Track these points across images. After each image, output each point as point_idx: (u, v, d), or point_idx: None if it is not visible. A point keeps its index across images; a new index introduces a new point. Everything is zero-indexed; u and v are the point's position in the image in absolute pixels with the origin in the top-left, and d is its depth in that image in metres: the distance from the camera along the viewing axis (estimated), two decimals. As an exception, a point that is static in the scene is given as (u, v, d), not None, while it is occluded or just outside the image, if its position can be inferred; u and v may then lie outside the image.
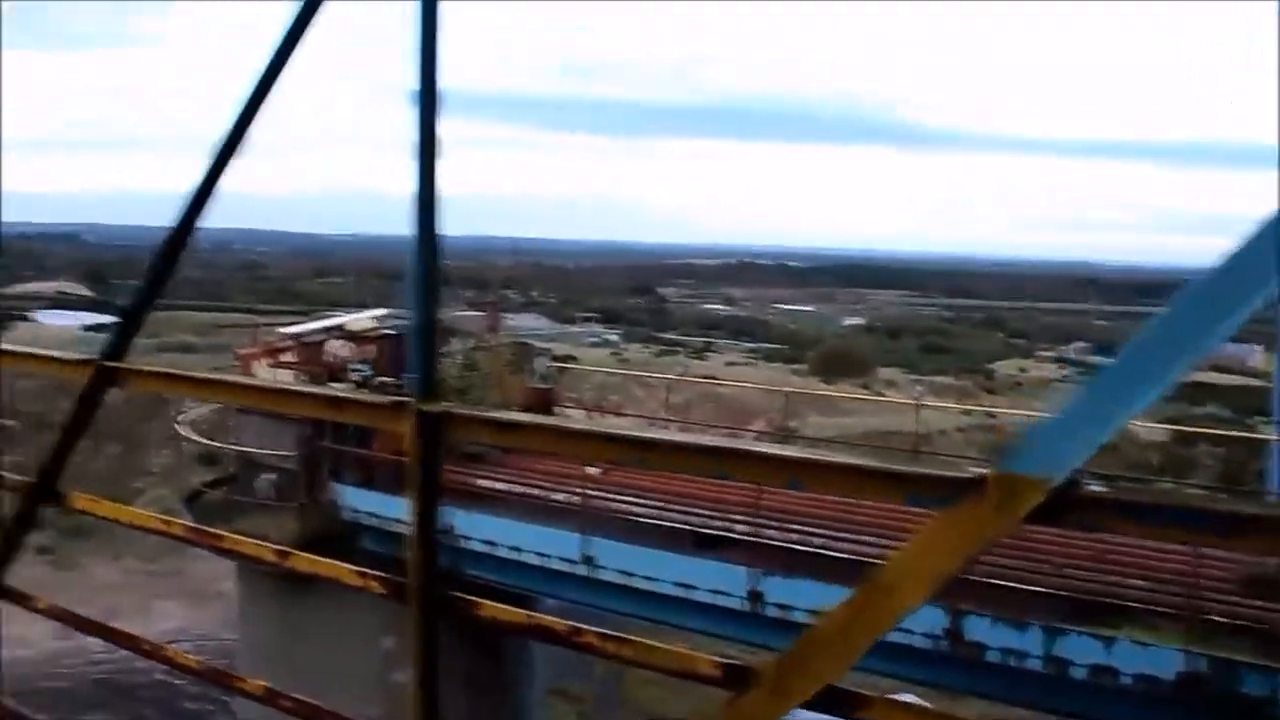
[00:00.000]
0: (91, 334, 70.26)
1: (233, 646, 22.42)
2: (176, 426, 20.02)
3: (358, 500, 17.68)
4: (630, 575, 14.77)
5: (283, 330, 20.75)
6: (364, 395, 3.13)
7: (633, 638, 2.71)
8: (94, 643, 30.51)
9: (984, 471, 2.19)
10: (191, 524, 3.71)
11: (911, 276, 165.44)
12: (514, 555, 15.52)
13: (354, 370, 18.33)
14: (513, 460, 17.55)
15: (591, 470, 15.55)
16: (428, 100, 2.87)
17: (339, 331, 19.54)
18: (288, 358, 18.75)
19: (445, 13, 2.87)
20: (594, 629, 2.78)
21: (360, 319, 20.17)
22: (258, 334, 21.19)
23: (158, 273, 3.55)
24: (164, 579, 39.13)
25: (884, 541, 13.89)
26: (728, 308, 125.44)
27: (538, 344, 24.41)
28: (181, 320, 78.65)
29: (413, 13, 2.85)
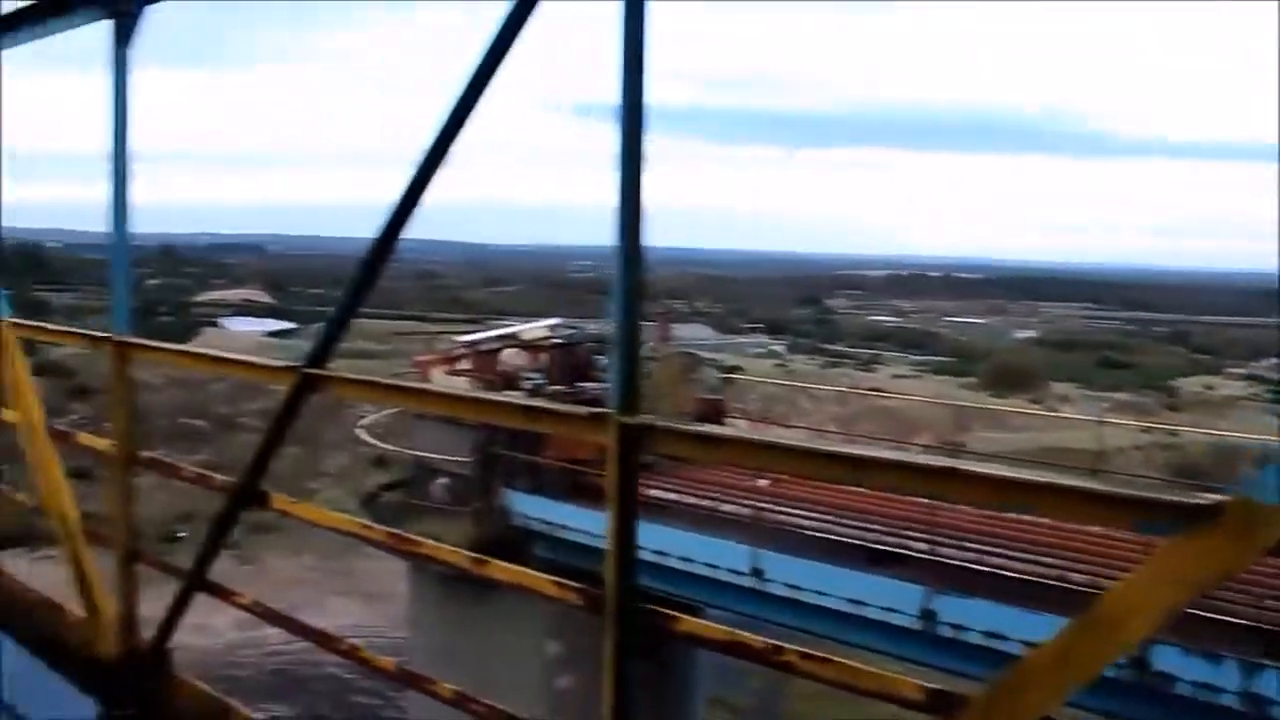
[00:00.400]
0: (273, 339, 73.21)
1: (402, 645, 22.98)
2: (357, 431, 20.62)
3: (529, 506, 17.96)
4: (799, 589, 14.63)
5: (459, 339, 21.24)
6: (561, 406, 3.10)
7: (834, 658, 2.64)
8: (271, 634, 31.77)
9: (1221, 498, 2.05)
10: (389, 529, 3.77)
11: (1087, 288, 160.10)
12: (684, 565, 15.50)
13: (527, 379, 18.65)
14: (681, 470, 17.55)
15: (761, 482, 15.45)
16: (632, 113, 2.85)
17: (513, 340, 19.92)
18: (464, 366, 19.17)
19: (651, 26, 2.85)
20: (794, 648, 2.72)
21: (533, 329, 20.52)
22: (434, 342, 21.71)
23: (360, 282, 3.62)
24: (339, 577, 40.42)
25: (1064, 563, 13.43)
26: (895, 319, 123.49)
27: (703, 354, 24.40)
28: (360, 328, 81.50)
29: (618, 25, 2.84)
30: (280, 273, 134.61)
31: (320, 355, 3.77)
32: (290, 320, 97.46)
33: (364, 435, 20.34)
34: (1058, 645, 2.26)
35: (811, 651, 2.66)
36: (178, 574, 4.79)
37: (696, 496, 16.98)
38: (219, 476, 4.53)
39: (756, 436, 2.70)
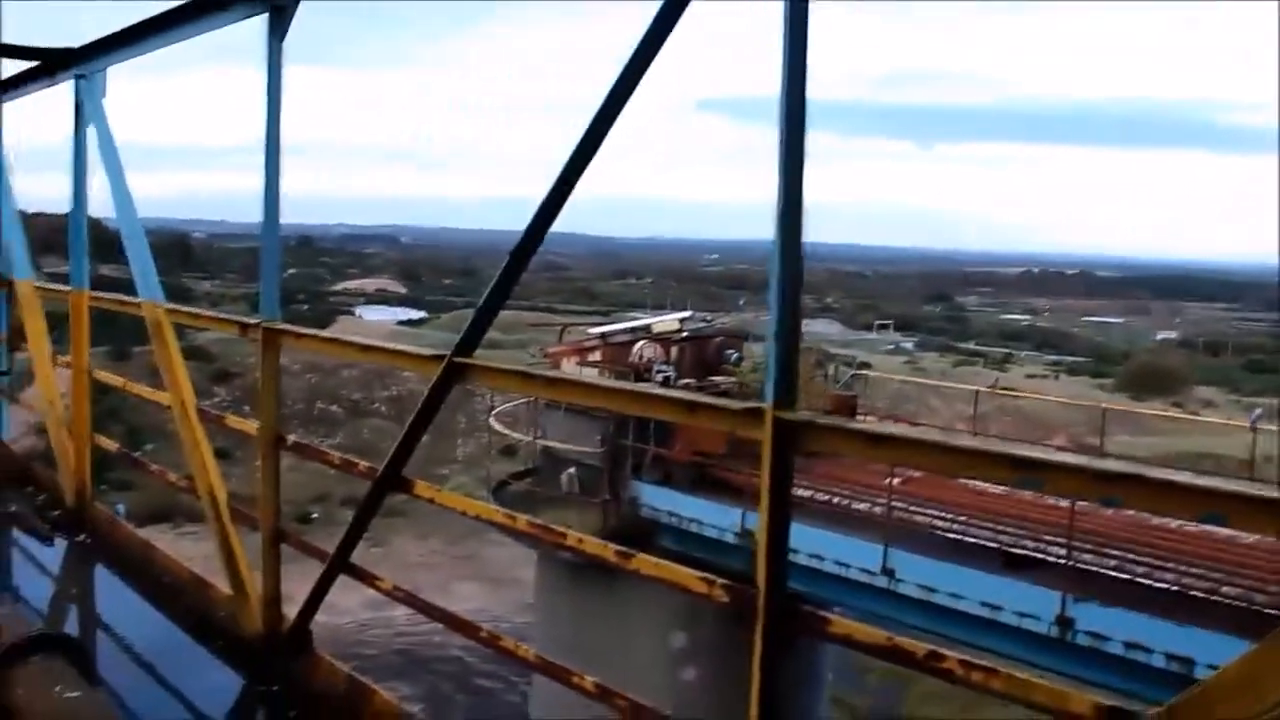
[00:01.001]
0: (404, 328, 74.70)
1: (526, 631, 23.22)
2: (490, 420, 20.86)
3: (656, 498, 17.97)
4: (932, 590, 14.35)
5: (591, 330, 21.37)
6: (717, 400, 3.03)
7: (1000, 668, 2.53)
8: (398, 615, 32.46)
9: None
10: (532, 520, 3.75)
11: (1234, 288, 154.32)
12: (813, 563, 15.31)
13: (659, 370, 18.66)
14: (811, 466, 17.38)
15: (892, 481, 15.21)
16: (794, 107, 2.78)
17: (644, 333, 19.96)
18: (595, 357, 19.26)
19: (814, 24, 2.78)
20: (956, 655, 2.61)
21: (664, 321, 20.55)
22: (565, 333, 21.86)
23: (509, 273, 3.60)
24: (464, 562, 41.09)
25: (1218, 576, 12.92)
26: (1029, 318, 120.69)
27: (832, 350, 24.12)
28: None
29: (781, 22, 2.78)
30: (412, 263, 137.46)
31: (468, 344, 3.77)
32: (421, 309, 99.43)
33: (494, 424, 20.57)
34: (1249, 664, 2.12)
35: (975, 660, 2.56)
36: (320, 556, 4.86)
37: (826, 493, 16.78)
38: (363, 462, 4.58)
39: (923, 435, 2.59)
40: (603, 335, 20.41)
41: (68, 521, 7.58)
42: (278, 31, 4.95)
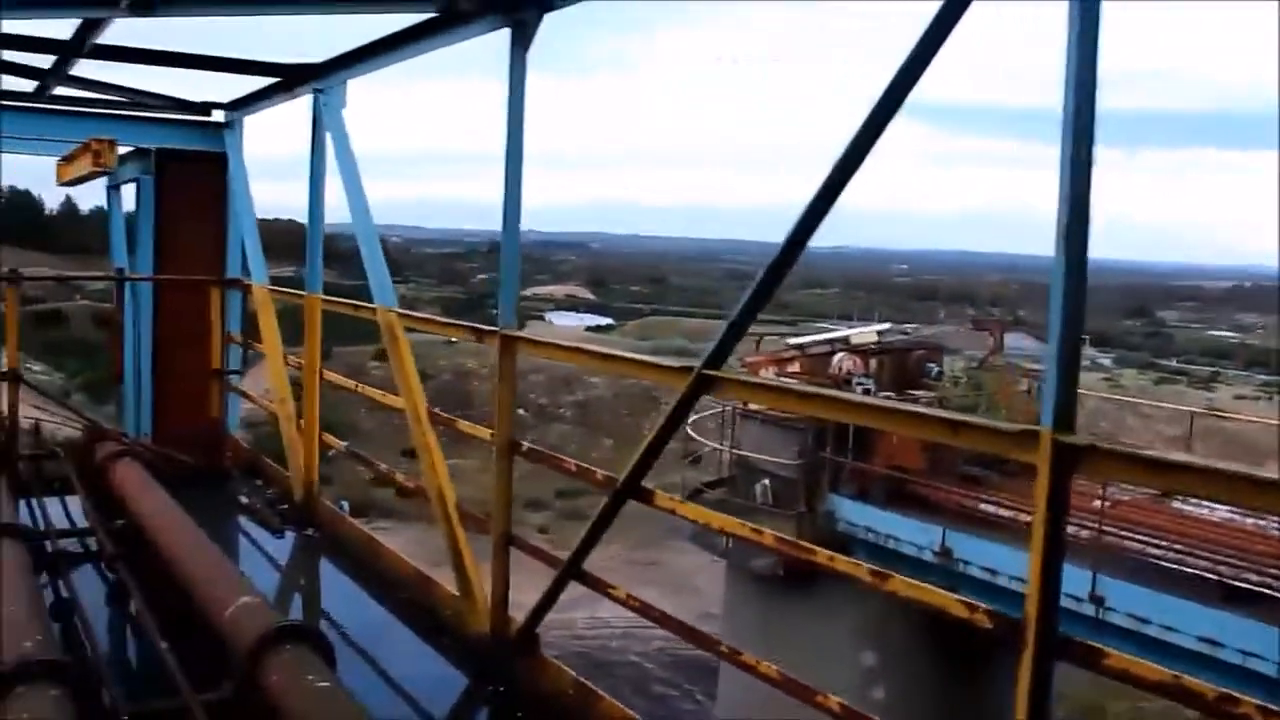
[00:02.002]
0: (592, 334, 75.74)
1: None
2: (686, 428, 20.93)
3: (854, 513, 17.72)
4: (1144, 622, 13.69)
5: (788, 340, 21.26)
6: (988, 422, 2.93)
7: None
8: (578, 617, 32.86)
9: None
10: (781, 535, 3.71)
11: None
12: (1015, 585, 14.81)
13: (858, 383, 18.42)
14: (1009, 484, 16.88)
15: (1103, 503, 14.61)
16: (1081, 120, 2.67)
17: (842, 344, 19.76)
18: (793, 368, 19.15)
19: (1104, 31, 2.67)
20: (1252, 701, 2.46)
21: (863, 332, 20.30)
22: (761, 343, 21.77)
23: (764, 285, 3.57)
24: (645, 568, 41.34)
25: None
26: (1238, 335, 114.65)
27: (1026, 365, 23.36)
28: (675, 325, 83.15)
29: (1067, 29, 2.68)
30: (601, 270, 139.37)
31: (717, 357, 3.76)
32: (608, 316, 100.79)
33: (690, 431, 20.63)
34: None
35: (1275, 708, 2.40)
36: (549, 561, 4.93)
37: (1029, 513, 16.23)
38: (600, 471, 4.62)
39: (1213, 464, 2.45)
40: (799, 346, 20.27)
41: (296, 515, 7.91)
42: (520, 44, 5.06)
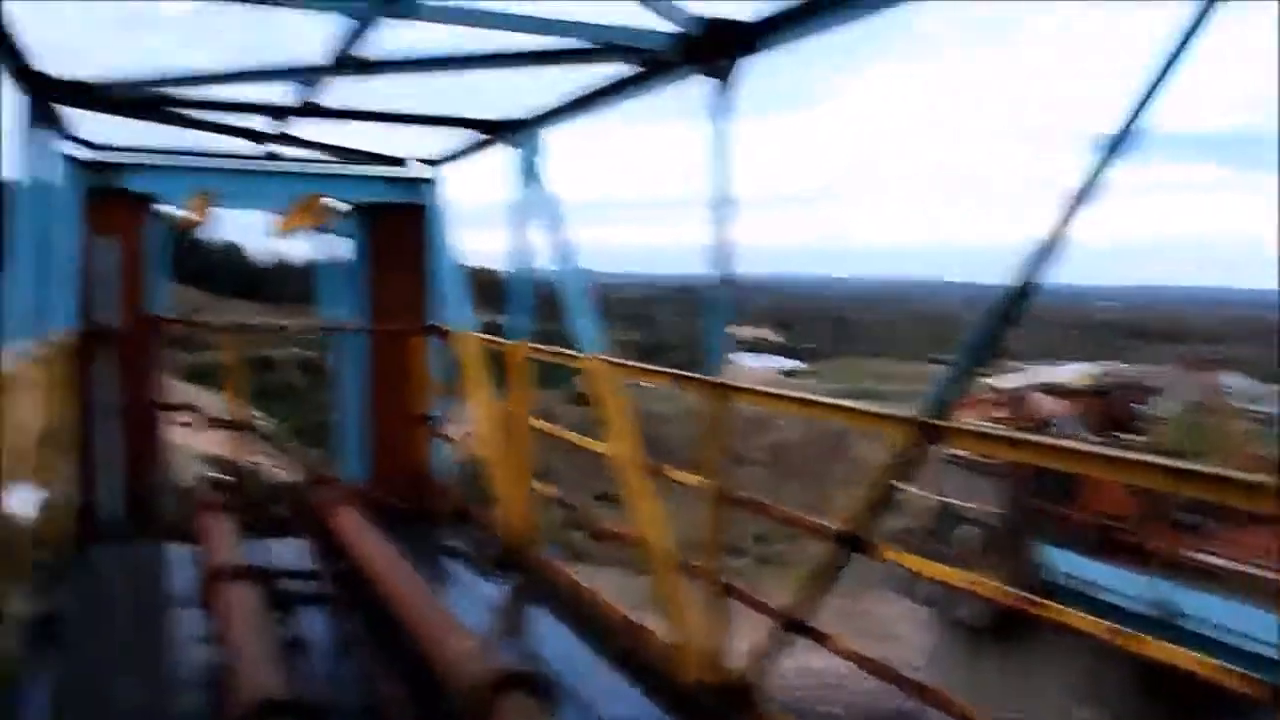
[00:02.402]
0: (784, 377, 75.36)
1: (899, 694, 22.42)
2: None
3: (1062, 562, 17.03)
4: None
5: (986, 381, 20.68)
6: (1235, 473, 2.74)
7: None
8: (786, 666, 32.34)
9: None
10: (1022, 594, 3.56)
11: None
12: (1249, 645, 13.79)
13: (1055, 426, 17.75)
14: (1227, 533, 15.96)
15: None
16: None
17: (1046, 385, 19.11)
18: (991, 411, 18.62)
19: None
20: None
21: (1066, 373, 19.58)
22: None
23: (991, 329, 3.46)
24: (848, 617, 40.63)
25: None
26: None
27: (1242, 406, 22.12)
28: (863, 367, 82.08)
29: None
30: (788, 312, 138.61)
31: (941, 406, 3.65)
32: (796, 358, 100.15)
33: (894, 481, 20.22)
34: None
35: None
36: (767, 611, 4.87)
37: (1249, 564, 15.29)
38: (816, 520, 4.55)
39: None
40: (994, 387, 19.70)
41: (506, 560, 8.04)
42: (723, 92, 5.08)
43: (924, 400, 3.72)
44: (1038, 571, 17.33)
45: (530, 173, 7.45)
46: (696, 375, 5.46)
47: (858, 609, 38.53)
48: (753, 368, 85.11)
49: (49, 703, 5.49)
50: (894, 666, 4.38)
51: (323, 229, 10.24)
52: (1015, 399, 19.00)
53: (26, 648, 5.80)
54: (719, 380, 5.06)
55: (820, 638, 4.55)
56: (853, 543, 4.12)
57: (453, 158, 9.42)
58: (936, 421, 3.65)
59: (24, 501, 6.51)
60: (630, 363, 6.75)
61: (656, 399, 55.91)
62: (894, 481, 3.93)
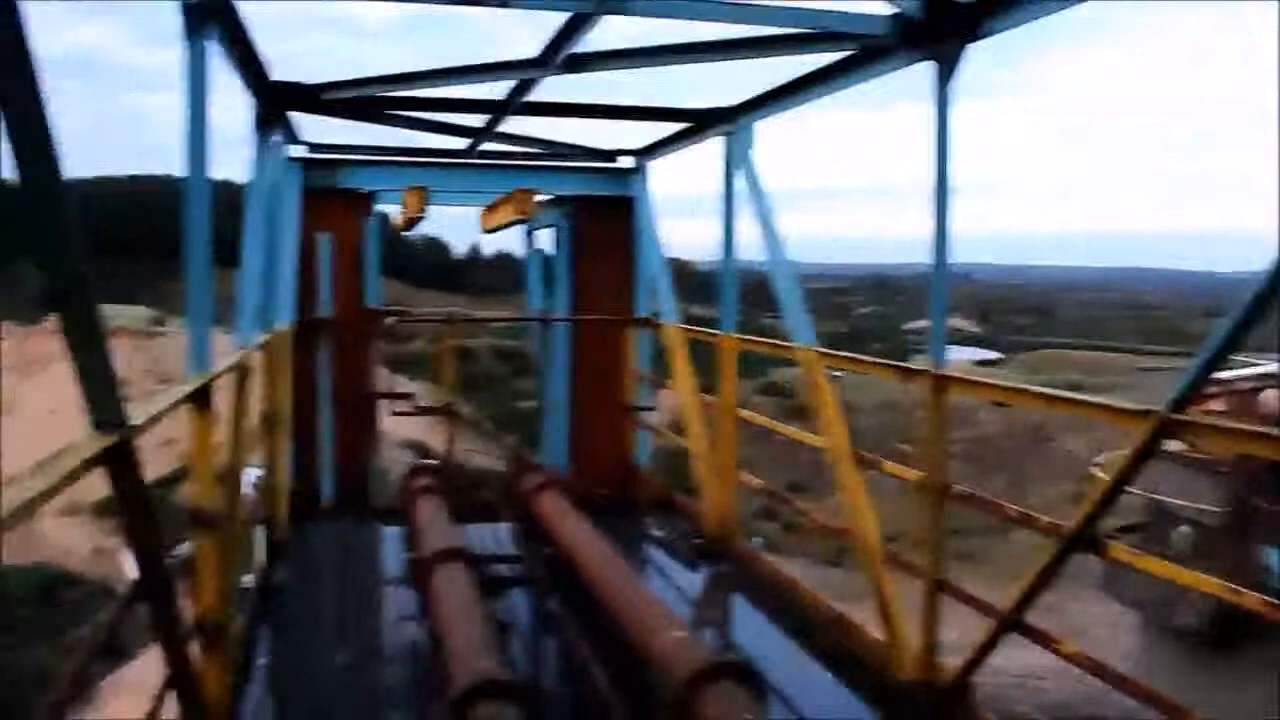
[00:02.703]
0: (979, 368, 73.49)
1: (1098, 692, 21.54)
2: (1093, 469, 19.75)
3: (1289, 566, 16.06)
4: None
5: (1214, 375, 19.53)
6: None
7: None
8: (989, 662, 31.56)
9: None
10: (1268, 599, 3.36)
11: None
12: None
13: (1291, 425, 16.69)
14: None
15: None
16: None
17: (1275, 378, 17.98)
18: (1215, 405, 17.63)
19: None
20: None
21: (1286, 367, 18.36)
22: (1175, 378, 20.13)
23: (1245, 318, 3.25)
24: (1040, 614, 39.32)
25: None
26: None
27: None
28: (1066, 359, 79.21)
29: None
30: (985, 302, 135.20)
31: (1183, 399, 3.47)
32: (994, 349, 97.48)
33: (1098, 473, 19.45)
34: None
35: None
36: (985, 610, 4.73)
37: None
38: (1044, 518, 4.38)
39: None
40: (1223, 380, 18.61)
41: (710, 550, 8.05)
42: (944, 77, 4.94)
43: (1166, 393, 3.54)
44: (1262, 574, 16.36)
45: (739, 163, 7.41)
46: (912, 366, 5.34)
47: (1060, 606, 37.31)
48: (950, 359, 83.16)
49: (267, 671, 5.76)
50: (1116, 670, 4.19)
51: (529, 222, 10.44)
52: (1239, 393, 17.94)
53: (248, 619, 6.09)
54: (941, 372, 4.93)
55: (1043, 639, 4.39)
56: (1083, 541, 3.95)
57: (660, 149, 9.46)
58: (1181, 417, 3.46)
59: (249, 481, 6.86)
60: (842, 354, 6.65)
61: (849, 390, 55.23)
62: (1127, 479, 3.75)
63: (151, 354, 53.52)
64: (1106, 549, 3.94)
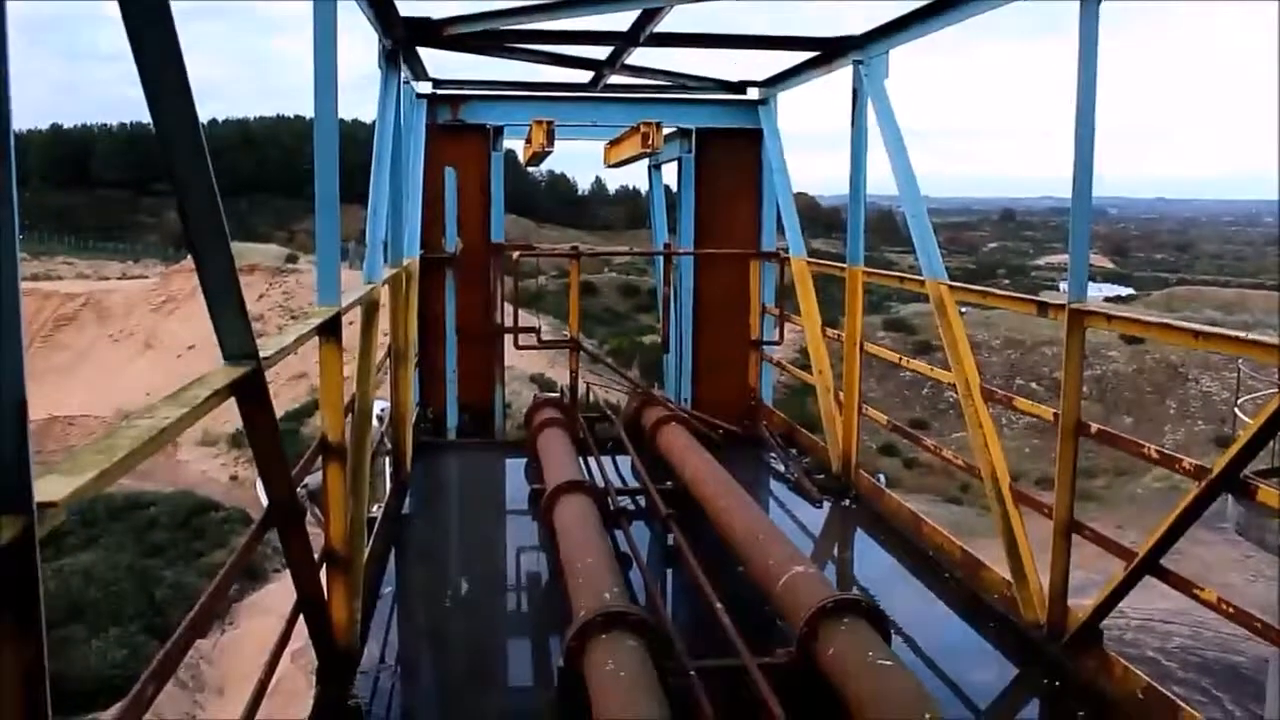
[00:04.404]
0: (1111, 305, 71.36)
1: (1224, 640, 20.93)
2: (1235, 410, 19.09)
3: None
4: None
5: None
6: None
7: None
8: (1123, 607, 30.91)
9: None
10: None
11: None
12: None
13: None
14: None
15: None
16: None
17: None
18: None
19: None
20: None
21: None
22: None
23: None
24: (1167, 557, 38.19)
25: None
26: None
27: None
28: (1205, 295, 76.36)
29: None
30: (1121, 237, 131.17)
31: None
32: (1129, 285, 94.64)
33: (1239, 414, 18.77)
34: None
35: None
36: (1119, 553, 4.59)
37: None
38: (1187, 460, 4.22)
39: None
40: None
41: (834, 486, 7.98)
42: (1092, 6, 4.70)
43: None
44: None
45: (872, 94, 7.20)
46: (1049, 301, 5.17)
47: (1186, 550, 36.29)
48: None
49: (394, 597, 5.89)
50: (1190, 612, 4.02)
51: (654, 156, 10.36)
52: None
53: (375, 544, 6.22)
54: (1081, 306, 4.75)
55: (1183, 583, 4.24)
56: (1229, 483, 3.79)
57: (788, 80, 9.26)
58: (1340, 353, 3.27)
59: (377, 413, 6.98)
60: (974, 287, 6.47)
61: (970, 325, 54.02)
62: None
63: (285, 289, 54.96)
64: (1256, 491, 3.77)
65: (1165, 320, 4.41)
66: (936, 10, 6.24)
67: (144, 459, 2.11)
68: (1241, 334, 3.80)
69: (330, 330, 4.30)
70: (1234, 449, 3.70)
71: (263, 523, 3.61)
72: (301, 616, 4.13)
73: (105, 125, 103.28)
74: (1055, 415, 4.88)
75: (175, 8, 2.32)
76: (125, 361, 50.85)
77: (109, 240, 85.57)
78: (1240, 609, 3.99)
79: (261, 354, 3.04)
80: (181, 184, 2.59)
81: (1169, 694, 4.34)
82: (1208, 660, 26.88)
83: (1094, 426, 4.77)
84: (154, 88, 2.38)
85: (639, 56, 8.62)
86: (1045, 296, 6.43)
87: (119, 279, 66.33)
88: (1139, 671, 4.54)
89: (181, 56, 2.37)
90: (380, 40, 7.07)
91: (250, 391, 3.03)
